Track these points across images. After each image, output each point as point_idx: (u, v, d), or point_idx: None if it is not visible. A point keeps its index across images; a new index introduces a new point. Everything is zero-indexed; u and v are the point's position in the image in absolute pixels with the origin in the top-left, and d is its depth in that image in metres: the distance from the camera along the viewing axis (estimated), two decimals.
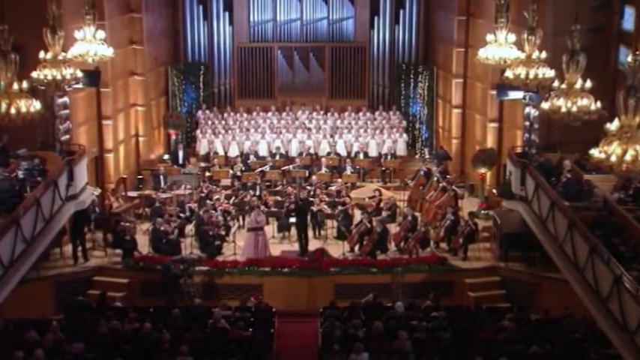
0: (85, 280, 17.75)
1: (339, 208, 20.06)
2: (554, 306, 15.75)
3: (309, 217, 19.38)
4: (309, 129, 24.67)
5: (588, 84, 13.09)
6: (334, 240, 19.60)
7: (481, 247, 18.85)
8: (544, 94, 14.94)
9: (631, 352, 11.86)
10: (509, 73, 15.44)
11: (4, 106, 12.48)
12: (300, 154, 23.72)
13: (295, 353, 15.21)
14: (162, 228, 18.41)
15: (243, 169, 22.85)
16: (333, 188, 21.48)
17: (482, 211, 20.53)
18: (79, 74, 15.11)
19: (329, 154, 23.78)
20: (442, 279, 17.75)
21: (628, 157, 10.52)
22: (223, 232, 19.04)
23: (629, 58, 11.11)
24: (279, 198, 20.83)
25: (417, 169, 22.57)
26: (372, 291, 16.70)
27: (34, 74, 14.23)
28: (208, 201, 20.29)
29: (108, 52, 17.07)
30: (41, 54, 14.37)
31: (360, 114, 25.44)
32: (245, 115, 25.35)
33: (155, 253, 18.21)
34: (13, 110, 12.59)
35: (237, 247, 18.81)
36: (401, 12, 25.80)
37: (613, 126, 10.85)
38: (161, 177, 21.68)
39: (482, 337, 13.82)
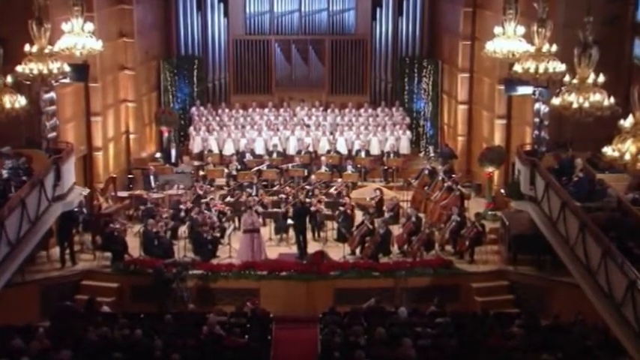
0: (72, 284, 17.57)
1: (340, 209, 19.69)
2: (565, 312, 15.53)
3: (307, 219, 19.13)
4: (308, 126, 24.44)
5: (601, 78, 12.93)
6: (334, 242, 19.32)
7: (488, 250, 18.68)
8: (554, 89, 14.82)
9: None
10: (518, 68, 15.26)
11: None
12: (299, 152, 23.51)
13: None
14: (154, 230, 18.14)
15: (239, 167, 22.62)
16: (333, 190, 21.15)
17: (490, 212, 20.39)
18: (67, 68, 14.93)
19: (329, 152, 23.56)
20: (447, 283, 17.62)
21: None
22: (218, 234, 18.78)
23: None
24: (276, 198, 20.54)
25: (421, 168, 22.42)
26: (374, 296, 16.43)
27: (19, 68, 14.09)
28: (203, 200, 19.99)
29: (97, 45, 16.82)
30: (26, 47, 14.23)
31: (362, 110, 25.25)
32: (241, 111, 25.15)
33: (146, 256, 17.98)
34: None
35: (232, 249, 18.57)
36: (404, 3, 25.55)
37: (627, 122, 10.69)
38: (151, 177, 21.44)
39: (489, 345, 13.60)
